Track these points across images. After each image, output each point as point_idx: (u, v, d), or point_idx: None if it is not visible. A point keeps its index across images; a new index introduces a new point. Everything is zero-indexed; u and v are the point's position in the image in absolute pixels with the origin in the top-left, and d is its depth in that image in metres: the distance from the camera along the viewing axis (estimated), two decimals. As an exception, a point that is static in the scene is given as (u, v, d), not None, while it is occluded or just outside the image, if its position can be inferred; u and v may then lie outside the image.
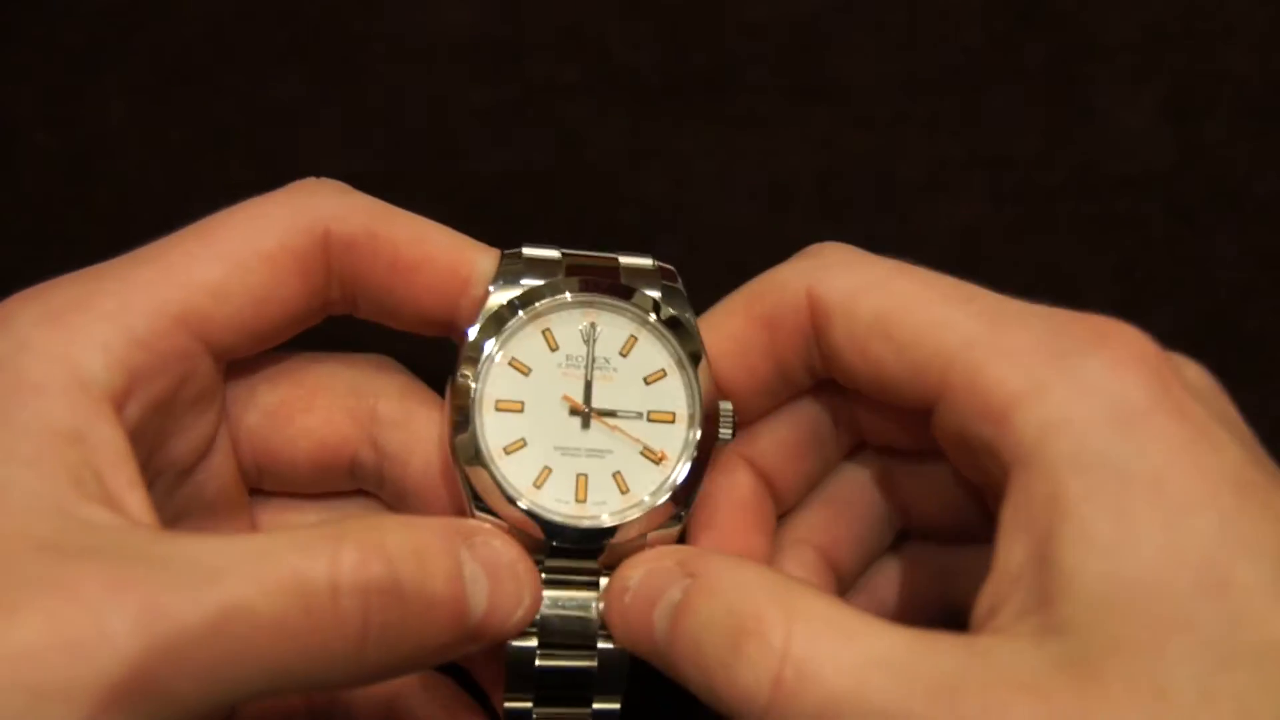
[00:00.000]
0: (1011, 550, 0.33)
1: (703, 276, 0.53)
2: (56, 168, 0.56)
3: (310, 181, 0.40)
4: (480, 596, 0.35)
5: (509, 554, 0.37)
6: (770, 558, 0.41)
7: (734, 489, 0.41)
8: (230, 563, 0.32)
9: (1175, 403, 0.33)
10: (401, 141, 0.56)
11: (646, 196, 0.55)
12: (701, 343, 0.40)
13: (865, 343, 0.37)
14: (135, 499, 0.35)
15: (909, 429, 0.40)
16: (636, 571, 0.37)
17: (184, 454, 0.39)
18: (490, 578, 0.36)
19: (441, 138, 0.56)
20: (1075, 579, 0.32)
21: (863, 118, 0.56)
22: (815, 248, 0.40)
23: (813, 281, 0.38)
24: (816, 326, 0.38)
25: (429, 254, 0.40)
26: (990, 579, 0.34)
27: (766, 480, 0.41)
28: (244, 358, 0.40)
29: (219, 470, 0.40)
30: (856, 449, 0.42)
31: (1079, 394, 0.33)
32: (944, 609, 0.44)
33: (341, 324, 0.42)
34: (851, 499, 0.42)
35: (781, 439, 0.41)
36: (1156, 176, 0.54)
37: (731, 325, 0.40)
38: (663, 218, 0.55)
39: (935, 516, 0.42)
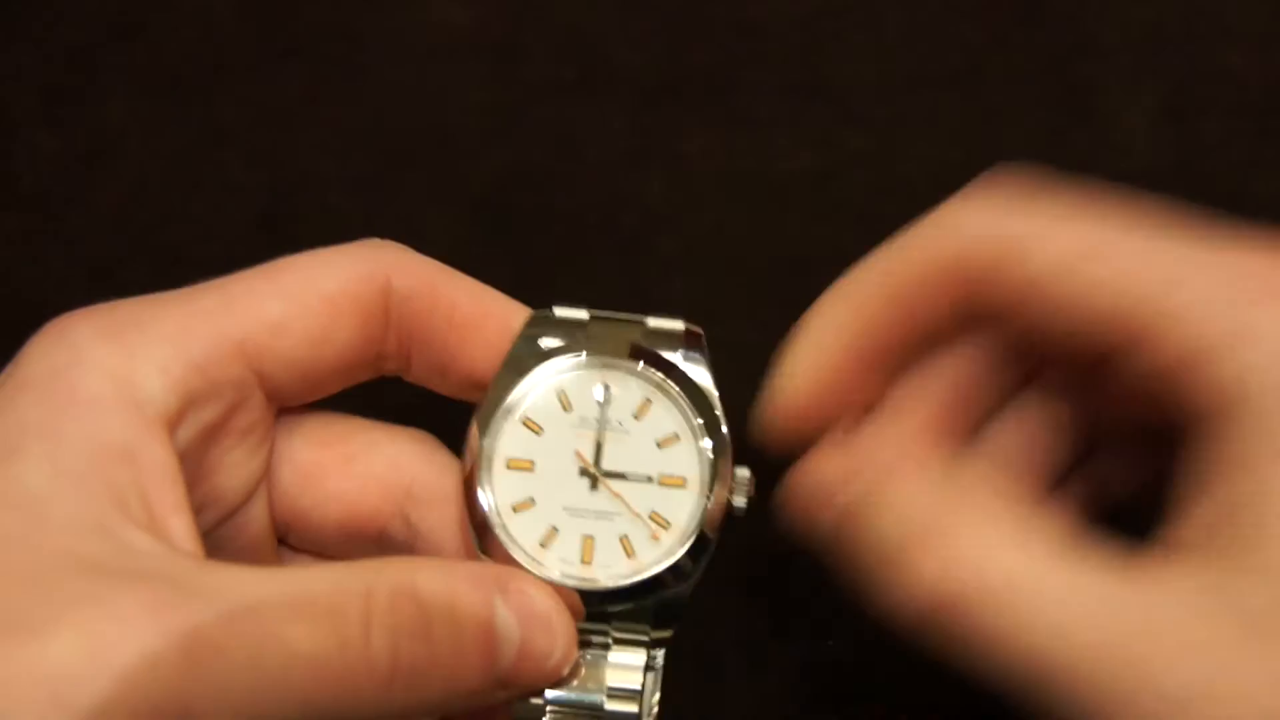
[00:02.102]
0: (1199, 495, 0.33)
1: (702, 276, 0.54)
2: (56, 168, 0.56)
3: (374, 240, 0.40)
4: (511, 644, 0.35)
5: (544, 604, 0.36)
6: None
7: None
8: (268, 593, 0.32)
9: None
10: (401, 141, 0.56)
11: (646, 196, 0.55)
12: (719, 409, 0.39)
13: (1044, 291, 0.36)
14: (180, 523, 0.35)
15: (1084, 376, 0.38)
16: (830, 456, 0.36)
17: (231, 493, 0.39)
18: (523, 626, 0.35)
19: (441, 138, 0.56)
20: (1269, 527, 0.31)
21: (863, 118, 0.56)
22: (972, 192, 0.38)
23: (974, 235, 0.37)
24: (981, 281, 0.37)
25: (486, 312, 0.40)
26: (1173, 522, 0.33)
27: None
28: (293, 406, 0.40)
29: (257, 516, 0.40)
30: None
31: None
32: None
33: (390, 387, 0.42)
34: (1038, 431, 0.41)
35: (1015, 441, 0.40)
36: (1156, 176, 0.54)
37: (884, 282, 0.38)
38: (663, 218, 0.55)
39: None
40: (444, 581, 0.34)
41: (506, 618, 0.35)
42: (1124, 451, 0.41)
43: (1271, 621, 0.30)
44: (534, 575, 0.38)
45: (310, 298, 0.38)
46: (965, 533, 0.32)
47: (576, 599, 0.38)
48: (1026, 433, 0.41)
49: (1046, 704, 0.31)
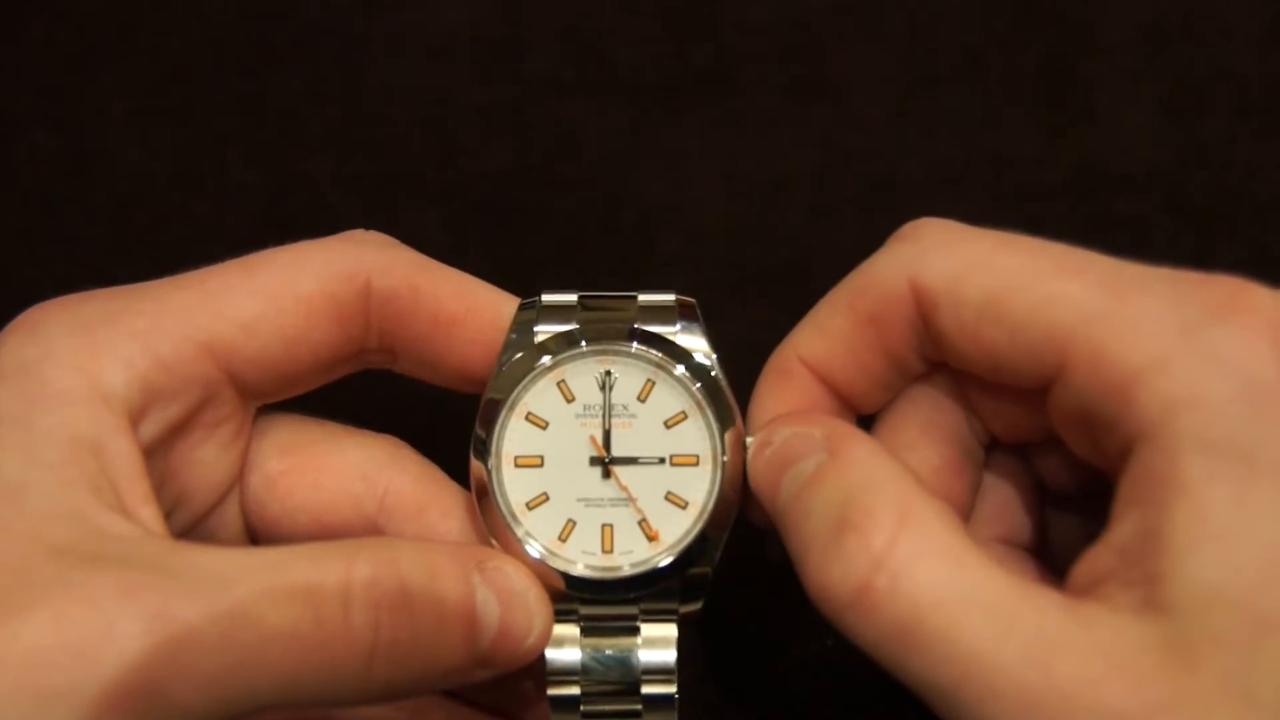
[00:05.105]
0: (1123, 523, 0.32)
1: (703, 276, 0.54)
2: (56, 167, 0.56)
3: (358, 233, 0.40)
4: (491, 620, 0.35)
5: (520, 580, 0.37)
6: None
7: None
8: (243, 572, 0.32)
9: None
10: (401, 141, 0.56)
11: (646, 196, 0.55)
12: (722, 379, 0.39)
13: (976, 328, 0.36)
14: (148, 513, 0.35)
15: (1027, 413, 0.38)
16: (784, 431, 0.36)
17: (202, 492, 0.39)
18: (502, 603, 0.36)
19: (441, 137, 0.56)
20: (1185, 561, 0.31)
21: (863, 117, 0.56)
22: (911, 228, 0.38)
23: (913, 271, 0.37)
24: (923, 315, 0.37)
25: (472, 308, 0.39)
26: (1097, 546, 0.33)
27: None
28: (273, 401, 0.40)
29: (230, 520, 0.40)
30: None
31: (1206, 368, 0.32)
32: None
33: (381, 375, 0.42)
34: (1001, 489, 0.41)
35: (934, 459, 0.39)
36: (1156, 176, 0.54)
37: (837, 326, 0.38)
38: (663, 218, 0.55)
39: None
40: (424, 559, 0.34)
41: (486, 594, 0.35)
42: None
43: (1181, 655, 0.30)
44: (506, 554, 0.38)
45: (285, 298, 0.38)
46: (907, 529, 0.32)
47: (556, 578, 0.38)
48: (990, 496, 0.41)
49: (956, 710, 0.31)
